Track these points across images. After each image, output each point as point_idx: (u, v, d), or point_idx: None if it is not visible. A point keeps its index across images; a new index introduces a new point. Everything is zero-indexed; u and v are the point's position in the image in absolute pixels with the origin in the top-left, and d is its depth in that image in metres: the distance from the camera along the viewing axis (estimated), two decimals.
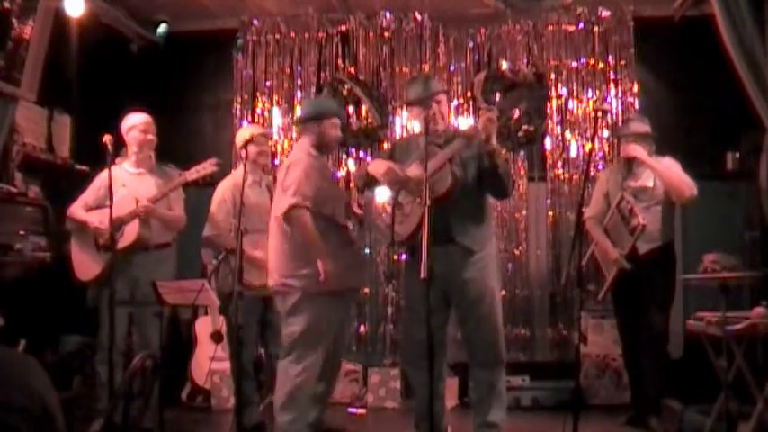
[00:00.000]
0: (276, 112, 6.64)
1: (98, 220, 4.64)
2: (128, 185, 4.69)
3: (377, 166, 3.92)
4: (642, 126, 4.94)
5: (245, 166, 4.74)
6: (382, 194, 3.99)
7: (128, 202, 4.59)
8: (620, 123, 6.20)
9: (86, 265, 4.73)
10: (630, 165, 4.91)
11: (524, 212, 6.36)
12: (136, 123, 4.81)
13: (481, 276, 3.84)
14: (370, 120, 6.49)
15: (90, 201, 4.80)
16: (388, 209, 3.91)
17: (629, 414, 5.00)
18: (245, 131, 5.03)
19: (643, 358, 4.79)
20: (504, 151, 3.98)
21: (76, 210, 4.80)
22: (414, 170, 3.80)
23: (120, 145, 4.75)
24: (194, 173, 4.68)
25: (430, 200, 3.39)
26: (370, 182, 3.99)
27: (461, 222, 3.80)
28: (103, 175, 4.69)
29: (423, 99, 3.89)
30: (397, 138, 6.32)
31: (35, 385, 1.77)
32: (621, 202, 4.79)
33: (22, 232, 5.16)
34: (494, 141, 3.68)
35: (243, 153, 4.79)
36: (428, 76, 4.36)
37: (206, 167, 4.71)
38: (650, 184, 4.84)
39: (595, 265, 6.10)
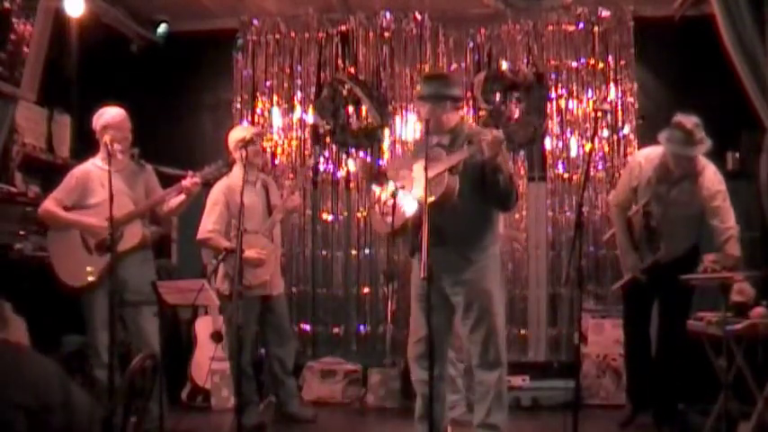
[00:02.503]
0: (276, 112, 6.64)
1: (96, 220, 4.42)
2: (107, 185, 4.21)
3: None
4: (700, 145, 4.47)
5: (244, 166, 4.74)
6: (387, 190, 4.03)
7: (122, 202, 4.37)
8: (621, 123, 6.23)
9: (77, 268, 4.42)
10: (670, 168, 4.58)
11: (524, 212, 6.36)
12: (113, 122, 4.52)
13: (477, 278, 3.82)
14: (370, 120, 6.49)
15: (66, 200, 4.51)
16: (387, 202, 3.97)
17: (625, 415, 4.94)
18: (241, 132, 5.03)
19: (660, 362, 4.70)
20: (510, 164, 3.96)
21: (56, 209, 4.49)
22: (419, 171, 3.79)
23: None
24: (207, 173, 4.61)
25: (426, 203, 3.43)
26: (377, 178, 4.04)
27: (459, 229, 3.79)
28: (77, 173, 4.58)
29: (424, 98, 3.91)
30: (400, 136, 6.42)
31: (30, 378, 1.78)
32: (649, 206, 4.59)
33: (22, 232, 5.15)
34: (498, 159, 3.64)
35: (242, 153, 4.78)
36: (438, 78, 4.31)
37: (219, 168, 4.68)
38: (687, 201, 4.57)
39: (597, 264, 6.13)
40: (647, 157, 4.77)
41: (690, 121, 4.47)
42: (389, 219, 3.91)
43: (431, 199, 3.58)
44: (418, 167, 3.77)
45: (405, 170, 3.93)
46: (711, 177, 4.56)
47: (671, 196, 4.60)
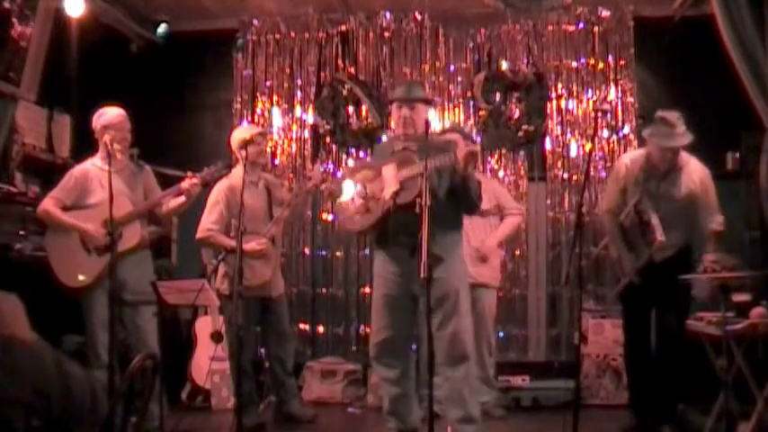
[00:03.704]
0: (276, 112, 6.64)
1: (93, 228, 4.41)
2: (106, 185, 4.22)
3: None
4: (685, 136, 4.51)
5: (244, 167, 4.74)
6: (348, 192, 4.11)
7: (121, 202, 4.35)
8: (621, 123, 6.23)
9: (76, 269, 4.43)
10: (655, 164, 4.58)
11: (524, 212, 6.35)
12: (113, 122, 4.51)
13: (447, 276, 3.92)
14: (370, 120, 6.49)
15: (65, 200, 4.48)
16: (354, 201, 4.05)
17: (630, 423, 4.79)
18: (242, 132, 5.03)
19: (659, 363, 4.63)
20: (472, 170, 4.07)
21: (55, 210, 4.47)
22: (388, 171, 3.93)
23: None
24: (207, 175, 4.60)
25: (393, 205, 3.67)
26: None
27: (431, 230, 3.82)
28: (76, 173, 4.57)
29: (400, 100, 4.04)
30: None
31: (27, 371, 1.77)
32: (640, 204, 4.54)
33: (22, 232, 5.15)
34: (469, 169, 3.84)
35: (243, 154, 4.78)
36: (416, 83, 4.55)
37: (219, 169, 4.68)
38: (676, 193, 4.56)
39: (596, 264, 6.11)
40: (631, 158, 4.81)
41: (672, 115, 4.52)
42: (359, 218, 4.01)
43: (404, 201, 3.76)
44: (388, 169, 3.91)
45: (367, 171, 4.04)
46: (697, 168, 4.59)
47: (660, 191, 4.60)
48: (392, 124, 4.28)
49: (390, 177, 3.89)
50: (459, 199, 3.96)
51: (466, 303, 4.04)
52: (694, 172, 4.57)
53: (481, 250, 5.17)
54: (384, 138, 6.37)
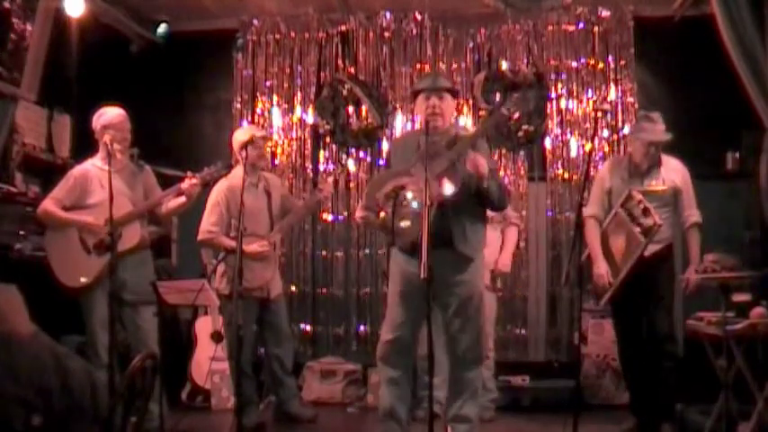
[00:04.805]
0: (276, 112, 6.64)
1: (94, 218, 4.40)
2: (106, 185, 4.22)
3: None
4: (666, 132, 4.66)
5: (244, 167, 4.74)
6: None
7: (121, 202, 4.33)
8: (621, 123, 6.23)
9: (75, 268, 4.43)
10: (637, 162, 4.69)
11: (524, 212, 6.35)
12: (113, 122, 4.50)
13: (472, 278, 3.88)
14: (370, 120, 6.49)
15: (65, 200, 4.48)
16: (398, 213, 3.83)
17: (630, 423, 4.77)
18: (242, 133, 5.03)
19: (652, 363, 4.61)
20: (498, 170, 4.00)
21: (55, 209, 4.47)
22: (419, 169, 3.74)
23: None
24: (207, 175, 4.59)
25: (431, 200, 3.46)
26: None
27: (461, 229, 3.81)
28: (76, 173, 4.57)
29: (428, 89, 3.93)
30: (396, 137, 6.29)
31: (26, 368, 1.77)
32: (629, 201, 4.57)
33: (22, 232, 5.15)
34: (485, 183, 3.70)
35: (242, 154, 4.78)
36: (441, 73, 4.46)
37: (218, 170, 4.67)
38: (661, 187, 4.65)
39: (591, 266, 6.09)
40: (612, 162, 5.02)
41: (653, 113, 4.75)
42: (405, 227, 3.77)
43: (453, 190, 3.63)
44: (419, 168, 3.71)
45: (397, 179, 3.82)
46: (677, 165, 4.74)
47: (645, 187, 4.66)
48: (416, 116, 4.17)
49: (424, 175, 3.66)
50: (485, 200, 3.83)
51: (484, 304, 3.98)
52: (675, 168, 4.72)
53: (497, 270, 5.25)
54: (384, 141, 6.40)
